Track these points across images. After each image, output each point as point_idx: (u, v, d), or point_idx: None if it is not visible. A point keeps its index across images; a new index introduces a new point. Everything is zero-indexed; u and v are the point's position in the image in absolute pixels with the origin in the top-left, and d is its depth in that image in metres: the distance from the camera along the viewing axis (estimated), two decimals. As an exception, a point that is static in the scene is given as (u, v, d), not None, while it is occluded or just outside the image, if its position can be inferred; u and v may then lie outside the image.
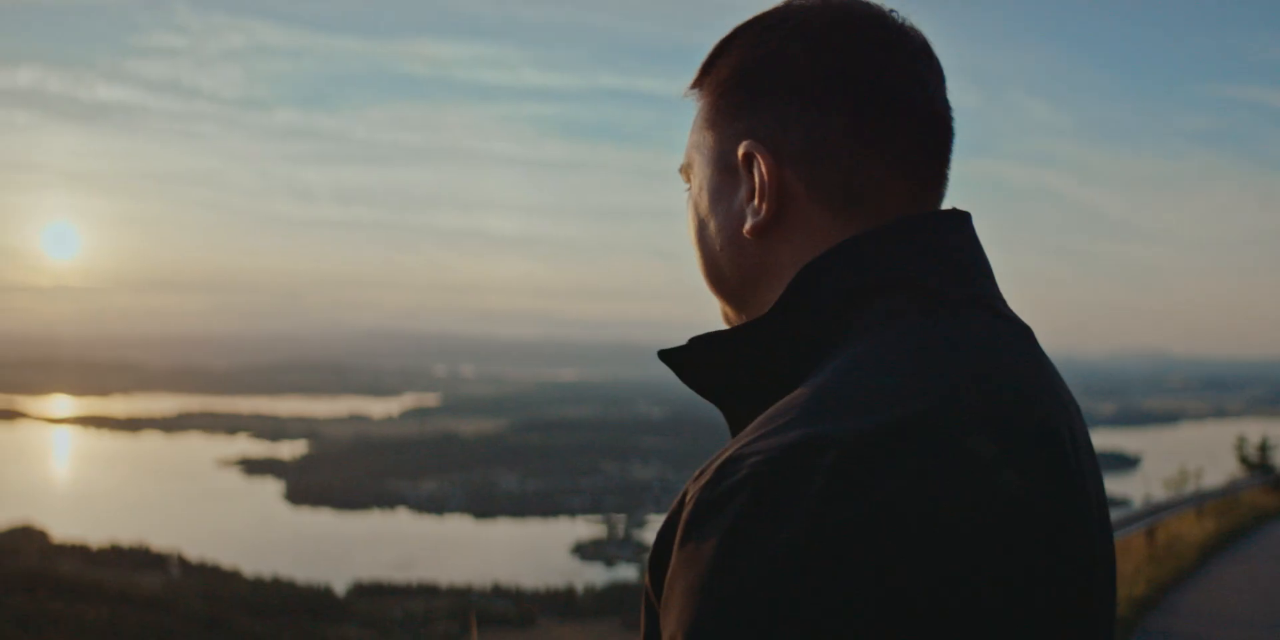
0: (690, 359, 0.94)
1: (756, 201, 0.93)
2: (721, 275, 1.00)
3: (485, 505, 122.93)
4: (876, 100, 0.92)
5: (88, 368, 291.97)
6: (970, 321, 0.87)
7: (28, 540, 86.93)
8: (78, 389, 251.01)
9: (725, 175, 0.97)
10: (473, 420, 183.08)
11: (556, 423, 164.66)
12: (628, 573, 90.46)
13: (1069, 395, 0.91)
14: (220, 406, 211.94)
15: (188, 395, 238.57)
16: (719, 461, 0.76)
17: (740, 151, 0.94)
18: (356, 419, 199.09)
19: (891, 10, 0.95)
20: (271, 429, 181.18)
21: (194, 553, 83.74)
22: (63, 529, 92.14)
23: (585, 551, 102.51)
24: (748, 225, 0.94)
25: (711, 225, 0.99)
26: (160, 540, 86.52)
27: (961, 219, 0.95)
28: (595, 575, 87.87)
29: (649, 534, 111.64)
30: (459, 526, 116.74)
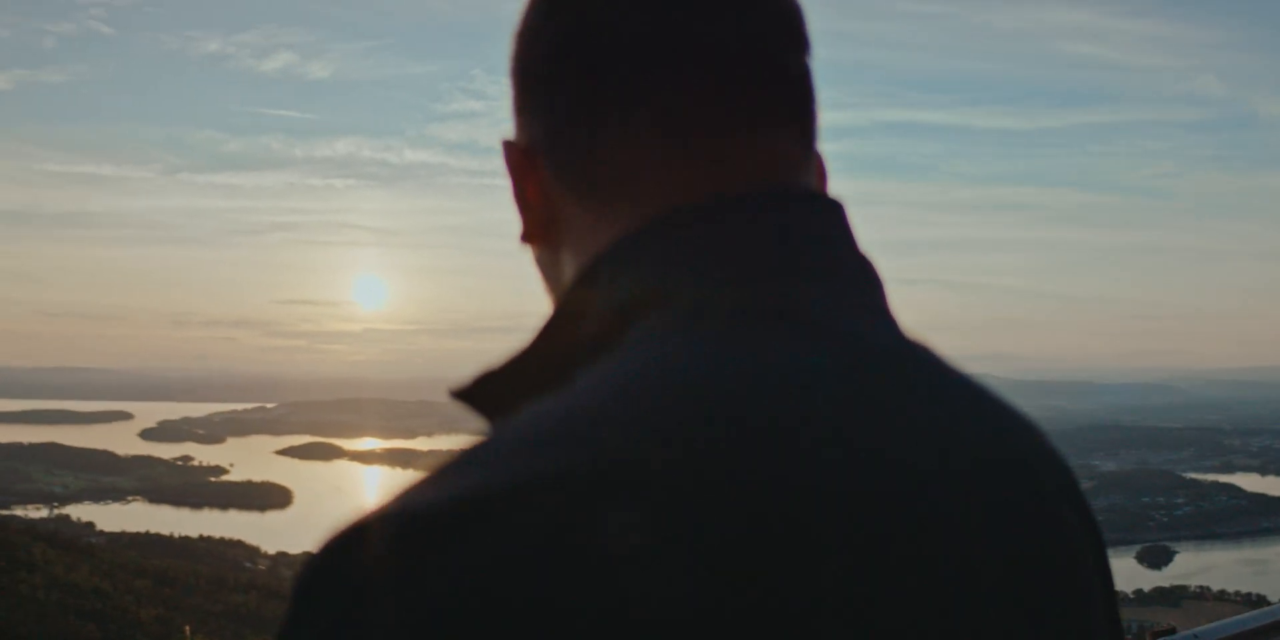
0: (482, 396, 0.72)
1: (518, 206, 0.76)
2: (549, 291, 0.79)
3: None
4: (618, 69, 0.68)
5: (395, 408, 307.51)
6: (742, 341, 0.62)
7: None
8: (386, 430, 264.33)
9: (511, 178, 0.77)
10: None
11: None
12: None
13: (969, 457, 0.64)
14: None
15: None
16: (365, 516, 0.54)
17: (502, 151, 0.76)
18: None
19: None
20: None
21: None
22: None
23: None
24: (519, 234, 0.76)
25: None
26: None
27: (775, 201, 0.68)
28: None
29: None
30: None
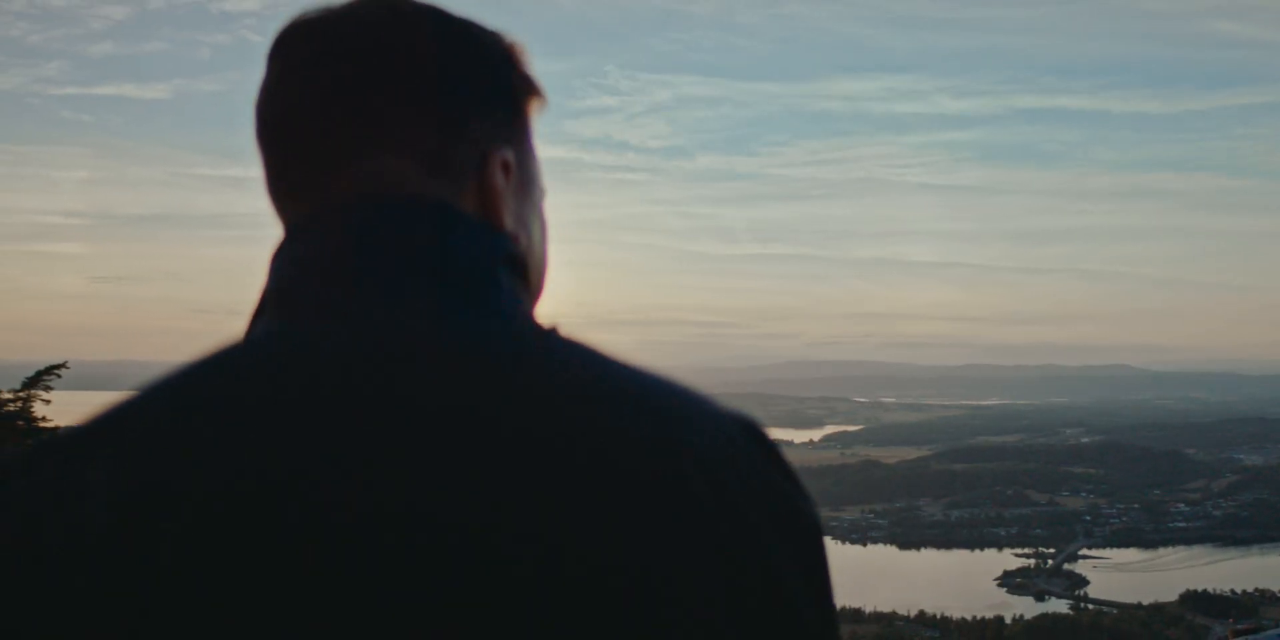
0: None
1: None
2: None
3: (909, 535, 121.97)
4: (261, 109, 0.85)
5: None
6: (264, 331, 0.76)
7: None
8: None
9: None
10: (895, 448, 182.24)
11: (981, 451, 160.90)
12: (1058, 606, 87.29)
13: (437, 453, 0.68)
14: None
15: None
16: None
17: None
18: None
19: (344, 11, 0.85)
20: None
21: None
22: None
23: (1013, 583, 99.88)
24: None
25: None
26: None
27: (356, 211, 0.80)
28: (1025, 608, 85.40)
29: (1082, 567, 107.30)
30: (883, 554, 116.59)
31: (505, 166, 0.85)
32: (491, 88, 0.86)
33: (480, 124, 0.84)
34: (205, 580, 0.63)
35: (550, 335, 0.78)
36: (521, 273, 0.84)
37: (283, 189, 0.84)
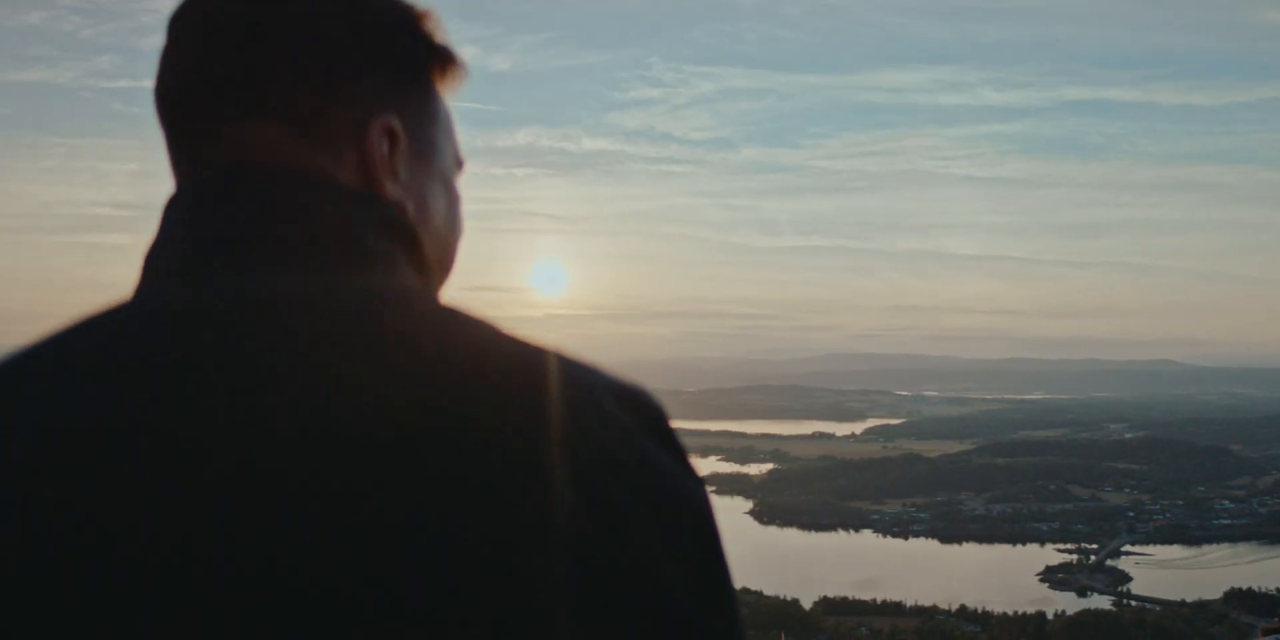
0: None
1: None
2: None
3: (951, 529, 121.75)
4: (155, 81, 0.86)
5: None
6: (144, 293, 0.79)
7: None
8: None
9: None
10: (936, 442, 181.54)
11: (1023, 445, 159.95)
12: (1101, 603, 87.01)
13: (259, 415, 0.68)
14: (691, 428, 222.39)
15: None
16: None
17: None
18: (820, 440, 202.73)
19: None
20: (739, 450, 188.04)
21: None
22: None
23: (1055, 579, 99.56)
24: None
25: None
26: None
27: (218, 180, 0.82)
28: (1066, 603, 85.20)
29: (1124, 564, 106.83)
30: (924, 547, 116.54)
31: (391, 133, 0.85)
32: (376, 52, 0.85)
33: (358, 88, 0.83)
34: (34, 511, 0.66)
35: (421, 303, 0.77)
36: (409, 242, 0.84)
37: (171, 160, 0.86)
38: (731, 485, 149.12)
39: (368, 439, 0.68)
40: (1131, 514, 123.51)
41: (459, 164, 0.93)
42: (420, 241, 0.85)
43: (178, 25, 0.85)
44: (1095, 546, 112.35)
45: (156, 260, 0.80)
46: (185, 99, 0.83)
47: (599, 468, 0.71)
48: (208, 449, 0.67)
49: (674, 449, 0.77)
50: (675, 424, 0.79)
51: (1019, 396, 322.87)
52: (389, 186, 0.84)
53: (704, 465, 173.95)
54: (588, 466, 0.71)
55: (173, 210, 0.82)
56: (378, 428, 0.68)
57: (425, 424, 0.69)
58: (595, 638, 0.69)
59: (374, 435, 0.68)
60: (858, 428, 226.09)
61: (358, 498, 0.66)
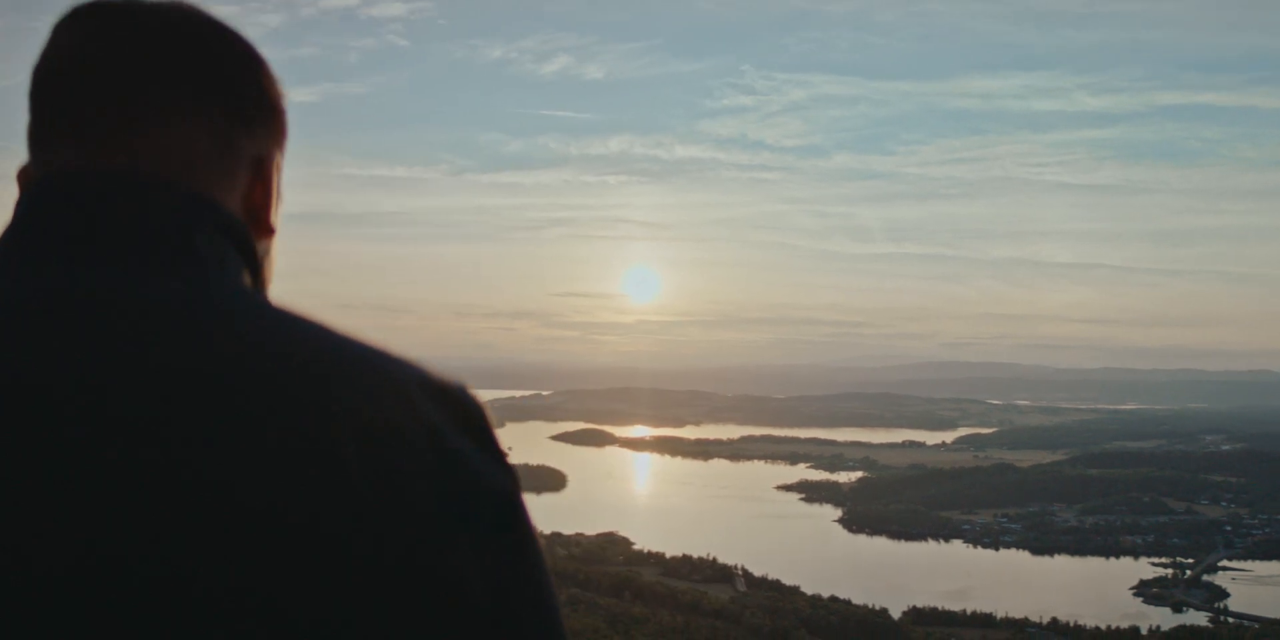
0: None
1: None
2: None
3: (1043, 541, 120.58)
4: (34, 80, 0.91)
5: (664, 397, 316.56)
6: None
7: (614, 547, 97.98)
8: (655, 418, 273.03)
9: None
10: (1029, 452, 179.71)
11: (1117, 456, 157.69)
12: (1197, 619, 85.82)
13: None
14: (781, 435, 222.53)
15: (751, 424, 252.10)
16: None
17: None
18: (911, 449, 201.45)
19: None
20: (829, 457, 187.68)
21: (757, 569, 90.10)
22: (643, 539, 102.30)
23: (1149, 593, 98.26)
24: None
25: None
26: (726, 555, 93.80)
27: (57, 180, 0.87)
28: (1161, 619, 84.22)
29: (1221, 579, 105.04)
30: (1015, 559, 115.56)
31: (257, 163, 0.94)
32: (226, 82, 0.93)
33: (216, 114, 0.91)
34: None
35: (243, 298, 0.82)
36: (243, 247, 0.89)
37: (31, 148, 0.92)
38: (821, 493, 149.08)
39: (160, 416, 0.72)
40: (1229, 528, 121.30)
41: (279, 197, 0.99)
42: (255, 248, 0.91)
43: (66, 31, 0.91)
44: (1191, 561, 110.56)
45: None
46: (65, 101, 0.89)
47: (404, 466, 0.74)
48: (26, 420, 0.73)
49: (483, 442, 0.80)
50: (492, 420, 0.83)
51: (1113, 406, 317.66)
52: (233, 201, 0.91)
53: (792, 472, 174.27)
54: (395, 466, 0.74)
55: (20, 206, 0.87)
56: (175, 409, 0.72)
57: (224, 408, 0.73)
58: (391, 630, 0.71)
59: (165, 413, 0.72)
60: (949, 436, 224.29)
61: (161, 483, 0.70)
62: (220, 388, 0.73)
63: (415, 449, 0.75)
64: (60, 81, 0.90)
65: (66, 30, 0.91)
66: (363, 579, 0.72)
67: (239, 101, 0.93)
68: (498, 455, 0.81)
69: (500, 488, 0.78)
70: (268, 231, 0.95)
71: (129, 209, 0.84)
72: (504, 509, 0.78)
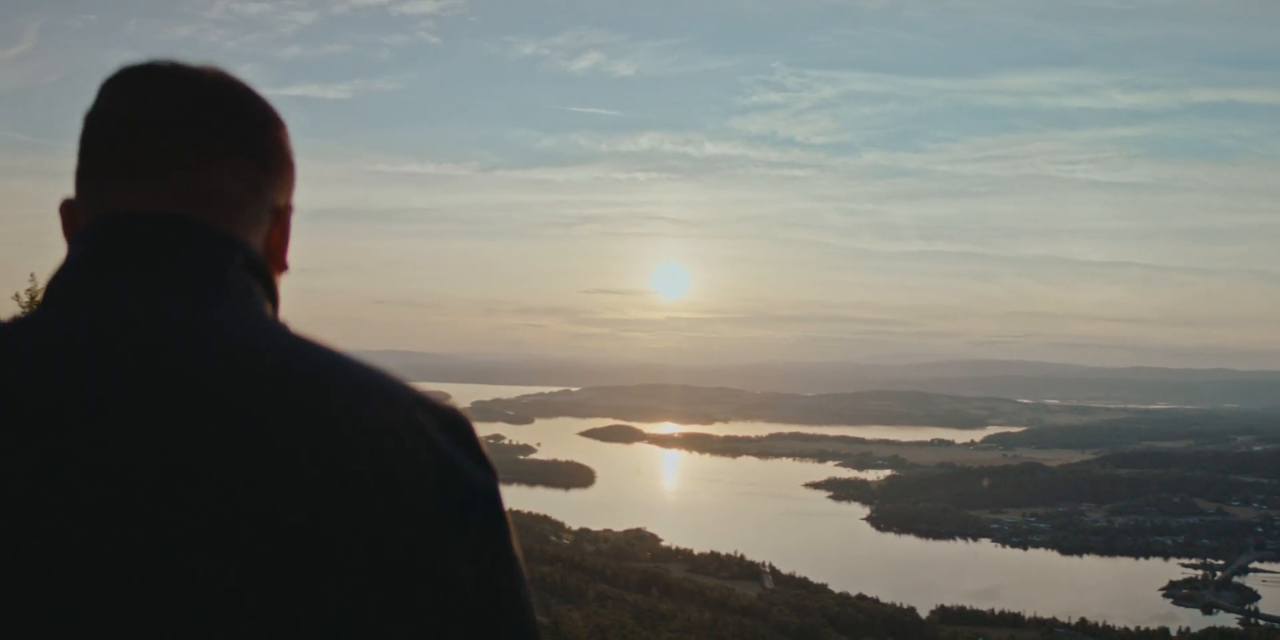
0: None
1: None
2: None
3: (1072, 540, 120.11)
4: (86, 130, 1.01)
5: (693, 394, 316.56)
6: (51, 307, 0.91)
7: (642, 544, 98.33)
8: (684, 415, 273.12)
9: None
10: (1058, 452, 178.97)
11: (1147, 456, 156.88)
12: (1227, 621, 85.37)
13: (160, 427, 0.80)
14: (810, 432, 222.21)
15: (780, 422, 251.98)
16: None
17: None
18: (940, 447, 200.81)
19: (174, 63, 1.03)
20: (857, 455, 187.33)
21: (784, 566, 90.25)
22: (671, 536, 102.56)
23: (1179, 595, 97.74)
24: None
25: None
26: (754, 552, 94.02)
27: (114, 221, 0.96)
28: (1191, 620, 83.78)
29: (1252, 581, 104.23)
30: (1043, 558, 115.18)
31: (277, 212, 1.04)
32: (257, 139, 1.03)
33: (240, 166, 1.01)
34: None
35: (266, 325, 0.92)
36: (266, 281, 1.00)
37: (81, 190, 1.01)
38: (849, 491, 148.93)
39: (161, 417, 0.80)
40: (1260, 529, 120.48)
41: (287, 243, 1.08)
42: (275, 283, 1.02)
43: (125, 82, 1.01)
44: (1221, 562, 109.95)
45: (52, 287, 0.94)
46: (122, 149, 0.98)
47: (408, 473, 0.81)
48: (88, 436, 0.79)
49: (469, 447, 0.89)
50: (477, 431, 0.92)
51: (1143, 406, 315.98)
52: (258, 242, 1.02)
53: (821, 470, 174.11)
54: (399, 473, 0.81)
55: (75, 246, 0.96)
56: (175, 410, 0.81)
57: (225, 410, 0.81)
58: (390, 629, 0.77)
59: (165, 414, 0.81)
60: (978, 435, 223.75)
61: (190, 490, 0.77)
62: (224, 394, 0.81)
63: (414, 451, 0.82)
64: (117, 132, 0.99)
65: (120, 86, 1.00)
66: (363, 579, 0.76)
67: (266, 155, 1.03)
68: (482, 458, 0.89)
69: (486, 486, 0.86)
70: (283, 268, 1.05)
71: (183, 249, 0.94)
72: (488, 505, 0.86)
